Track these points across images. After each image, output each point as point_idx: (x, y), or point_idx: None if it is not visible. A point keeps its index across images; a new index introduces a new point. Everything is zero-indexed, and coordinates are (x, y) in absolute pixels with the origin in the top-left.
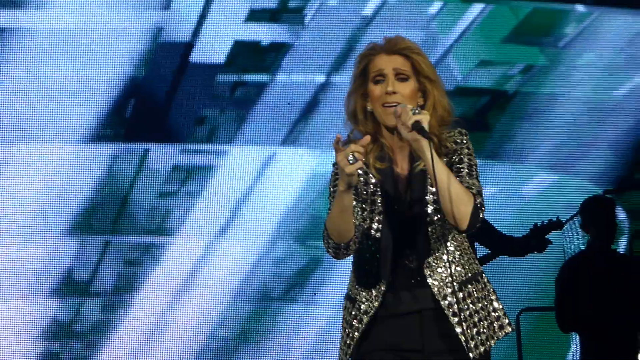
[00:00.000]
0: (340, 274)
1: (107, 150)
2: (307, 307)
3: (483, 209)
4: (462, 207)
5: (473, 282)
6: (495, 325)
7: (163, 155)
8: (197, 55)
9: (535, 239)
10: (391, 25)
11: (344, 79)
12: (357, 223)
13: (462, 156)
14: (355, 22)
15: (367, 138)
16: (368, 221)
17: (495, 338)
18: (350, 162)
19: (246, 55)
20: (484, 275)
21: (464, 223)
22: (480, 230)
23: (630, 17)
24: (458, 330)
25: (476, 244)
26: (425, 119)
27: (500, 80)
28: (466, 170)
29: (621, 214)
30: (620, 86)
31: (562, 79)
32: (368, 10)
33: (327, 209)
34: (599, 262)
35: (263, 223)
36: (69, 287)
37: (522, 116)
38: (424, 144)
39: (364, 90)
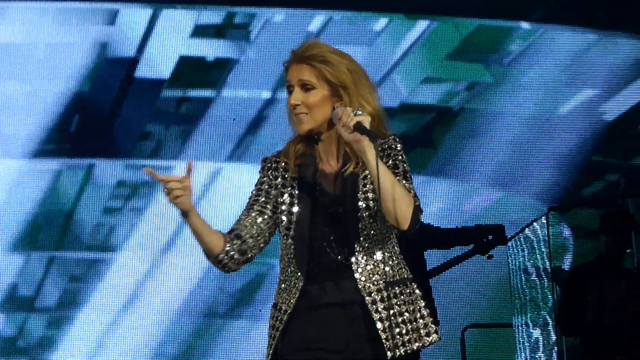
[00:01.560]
0: None
1: (51, 165)
2: (252, 324)
3: (421, 211)
4: (404, 207)
5: (401, 285)
6: (421, 330)
7: (108, 171)
8: (143, 71)
9: (478, 243)
10: (337, 41)
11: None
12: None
13: (397, 162)
14: (301, 38)
15: (189, 164)
16: (283, 217)
17: (421, 343)
18: (168, 194)
19: (191, 70)
20: (413, 283)
21: (406, 223)
22: (424, 235)
23: (574, 34)
24: (379, 326)
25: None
26: (366, 119)
27: (445, 97)
28: (402, 175)
29: (566, 231)
30: (564, 103)
31: (507, 96)
32: (314, 26)
33: None
34: (608, 272)
35: None
36: (14, 302)
37: (467, 133)
38: (366, 144)
39: None
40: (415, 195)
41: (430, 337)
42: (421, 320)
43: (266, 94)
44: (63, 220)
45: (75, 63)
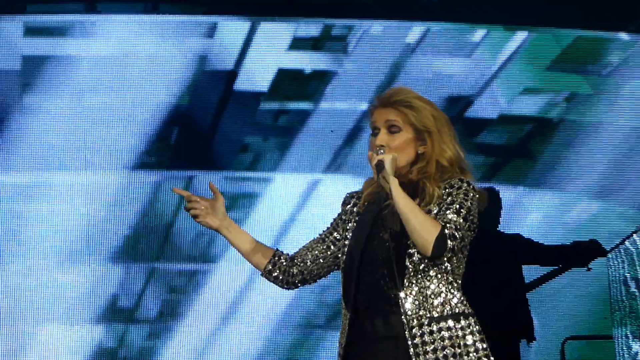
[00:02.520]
0: None
1: (151, 177)
2: None
3: (451, 240)
4: (426, 235)
5: (451, 320)
6: None
7: (207, 182)
8: (241, 83)
9: (578, 256)
10: (435, 52)
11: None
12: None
13: (454, 197)
14: (399, 50)
15: (211, 187)
16: (340, 251)
17: None
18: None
19: (289, 83)
20: (470, 318)
21: (428, 251)
22: (524, 249)
23: None
24: None
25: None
26: (387, 157)
27: (544, 108)
28: (452, 208)
29: None
30: None
31: (606, 107)
32: (411, 38)
33: None
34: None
35: None
36: (114, 313)
37: (566, 144)
38: (384, 180)
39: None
40: (450, 227)
41: None
42: (470, 356)
43: (363, 106)
44: (163, 232)
45: (174, 76)
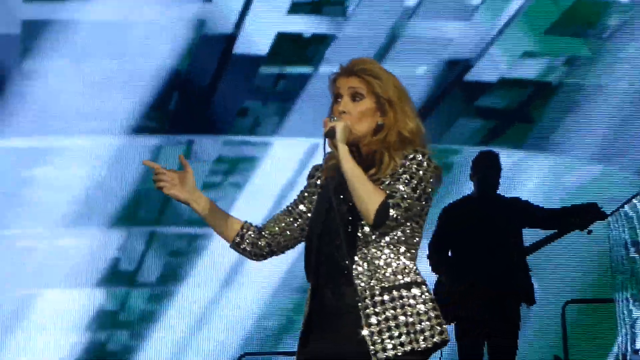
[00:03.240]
0: None
1: (151, 141)
2: None
3: (394, 209)
4: (369, 204)
5: (403, 289)
6: (421, 334)
7: (207, 147)
8: (240, 48)
9: (577, 218)
10: (434, 16)
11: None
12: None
13: (406, 168)
14: (398, 13)
15: (180, 159)
16: (305, 217)
17: (418, 346)
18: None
19: (288, 47)
20: (423, 286)
21: (370, 219)
22: (522, 213)
23: None
24: (364, 332)
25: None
26: (340, 125)
27: (544, 71)
28: (402, 178)
29: None
30: None
31: (606, 71)
32: (410, 1)
33: None
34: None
35: None
36: (115, 277)
37: (565, 108)
38: (334, 147)
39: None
40: (395, 196)
41: (433, 340)
42: (422, 324)
43: None
44: (163, 196)
45: (172, 40)
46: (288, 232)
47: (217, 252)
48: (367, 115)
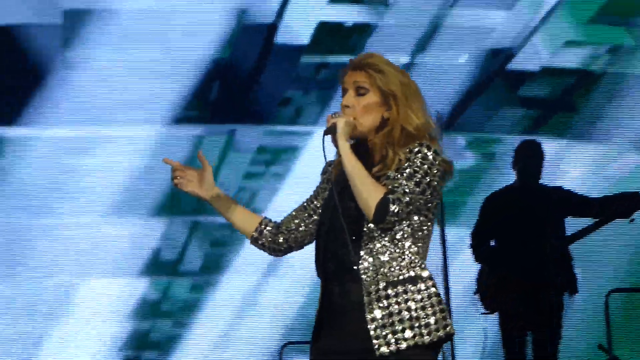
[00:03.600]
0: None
1: (192, 131)
2: None
3: (395, 204)
4: (368, 200)
5: (407, 284)
6: (423, 329)
7: (249, 136)
8: (282, 37)
9: (620, 206)
10: (476, 5)
11: (428, 59)
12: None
13: (410, 162)
14: (440, 2)
15: (199, 155)
16: (318, 212)
17: (419, 340)
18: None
19: (330, 36)
20: (428, 280)
21: (370, 214)
22: (568, 204)
23: None
24: (370, 325)
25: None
26: (341, 121)
27: (586, 60)
28: (405, 173)
29: None
30: None
31: None
32: None
33: None
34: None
35: None
36: (157, 267)
37: (608, 96)
38: (336, 143)
39: None
40: (397, 191)
41: (438, 333)
42: (427, 319)
43: (405, 59)
44: None
45: (214, 29)
46: (303, 228)
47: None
48: (371, 109)
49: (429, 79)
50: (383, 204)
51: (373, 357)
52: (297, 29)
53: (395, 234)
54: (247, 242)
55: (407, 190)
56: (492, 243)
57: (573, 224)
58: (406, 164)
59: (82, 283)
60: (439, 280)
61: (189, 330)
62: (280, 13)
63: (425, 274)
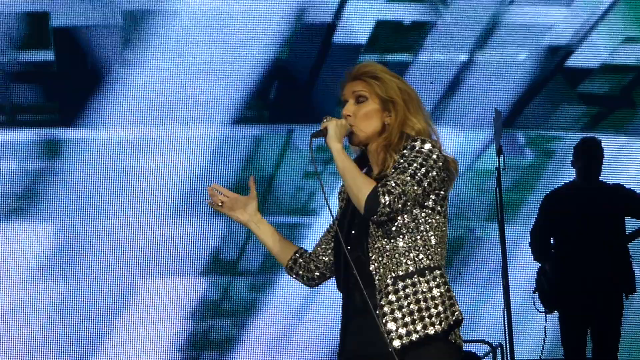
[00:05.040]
0: (485, 250)
1: (252, 131)
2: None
3: (387, 195)
4: (359, 194)
5: (416, 275)
6: (434, 319)
7: (307, 136)
8: (340, 36)
9: None
10: (534, 2)
11: (486, 57)
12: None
13: (404, 157)
14: (498, 0)
15: (250, 181)
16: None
17: (429, 330)
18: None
19: (388, 35)
20: (436, 270)
21: (361, 209)
22: (628, 203)
23: None
24: (383, 320)
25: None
26: (331, 124)
27: None
28: (399, 167)
29: None
30: None
31: None
32: None
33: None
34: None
35: None
36: (217, 266)
37: None
38: (329, 146)
39: None
40: (390, 184)
41: (448, 321)
42: (437, 308)
43: (463, 57)
44: (264, 185)
45: (273, 30)
46: (330, 251)
47: (317, 239)
48: (371, 115)
49: (488, 76)
50: (373, 197)
51: (387, 353)
52: (356, 28)
53: (400, 229)
54: (306, 241)
55: (399, 182)
56: (552, 241)
57: (633, 223)
58: (401, 160)
59: (141, 283)
60: (498, 278)
61: (248, 330)
62: (338, 12)
63: (432, 264)
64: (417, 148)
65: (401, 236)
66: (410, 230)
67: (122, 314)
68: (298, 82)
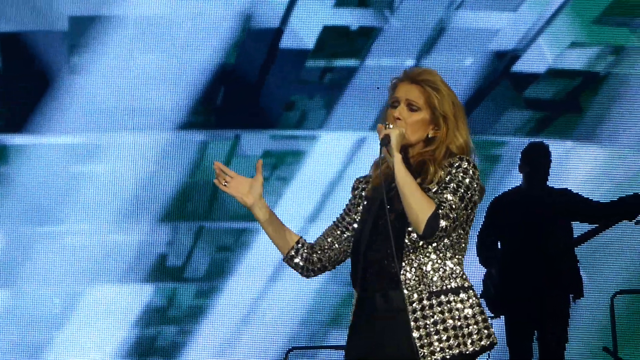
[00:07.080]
0: None
1: (198, 136)
2: None
3: (444, 219)
4: (420, 214)
5: (449, 294)
6: (466, 338)
7: (254, 141)
8: (287, 41)
9: (625, 209)
10: (480, 7)
11: (433, 62)
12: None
13: (452, 176)
14: (444, 5)
15: (258, 165)
16: (351, 228)
17: (465, 349)
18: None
19: (335, 39)
20: (470, 291)
21: (420, 229)
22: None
23: None
24: (415, 334)
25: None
26: (394, 132)
27: (592, 61)
28: (449, 187)
29: None
30: None
31: None
32: None
33: None
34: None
35: None
36: (163, 273)
37: (614, 98)
38: (389, 154)
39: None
40: (444, 206)
41: (481, 343)
42: (469, 328)
43: (410, 62)
44: (211, 191)
45: (219, 35)
46: (337, 246)
47: (264, 246)
48: (420, 125)
49: None
50: (434, 219)
51: None
52: (303, 33)
53: (437, 245)
54: (253, 247)
55: (453, 206)
56: (498, 246)
57: (579, 226)
58: (448, 178)
59: (87, 290)
60: None
61: (194, 337)
62: (285, 17)
63: (466, 284)
64: (463, 168)
65: (438, 252)
66: (446, 248)
67: (67, 320)
68: (245, 87)
